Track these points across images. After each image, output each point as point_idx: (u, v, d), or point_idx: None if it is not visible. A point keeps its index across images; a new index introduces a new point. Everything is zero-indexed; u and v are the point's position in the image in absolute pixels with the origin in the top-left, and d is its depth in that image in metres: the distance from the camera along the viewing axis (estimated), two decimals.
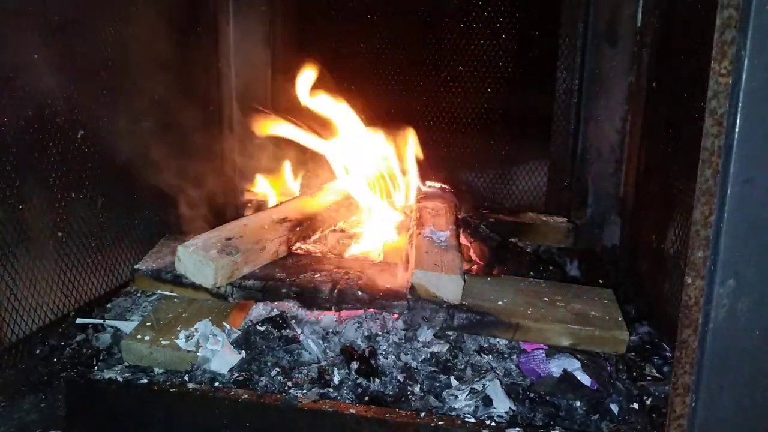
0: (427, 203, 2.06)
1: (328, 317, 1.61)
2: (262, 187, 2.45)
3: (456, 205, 2.12)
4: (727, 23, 0.93)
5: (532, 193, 2.63)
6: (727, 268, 0.98)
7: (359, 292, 1.60)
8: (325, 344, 1.53)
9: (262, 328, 1.53)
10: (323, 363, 1.46)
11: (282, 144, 2.45)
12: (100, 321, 1.68)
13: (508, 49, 2.53)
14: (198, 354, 1.46)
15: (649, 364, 1.54)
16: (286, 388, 1.37)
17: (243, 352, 1.48)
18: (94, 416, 1.38)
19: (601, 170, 2.33)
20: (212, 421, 1.32)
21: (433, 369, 1.46)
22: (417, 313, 1.55)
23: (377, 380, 1.40)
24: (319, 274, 1.68)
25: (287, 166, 2.46)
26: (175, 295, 1.70)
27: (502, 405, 1.33)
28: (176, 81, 2.09)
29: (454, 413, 1.32)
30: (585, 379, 1.42)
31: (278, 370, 1.43)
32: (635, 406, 1.37)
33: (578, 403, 1.37)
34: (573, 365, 1.45)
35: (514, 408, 1.34)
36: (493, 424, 1.27)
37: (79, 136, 1.67)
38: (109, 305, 1.77)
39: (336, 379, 1.40)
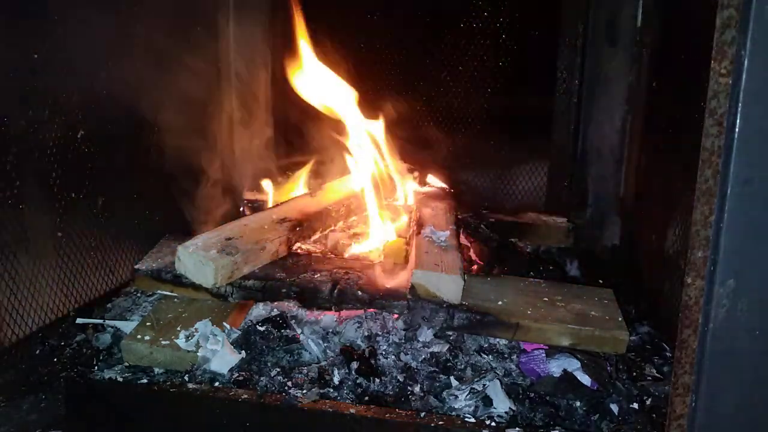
0: (427, 203, 2.06)
1: (328, 317, 1.61)
2: (262, 187, 2.45)
3: (456, 205, 2.12)
4: (727, 23, 0.93)
5: (532, 193, 2.63)
6: (727, 268, 0.98)
7: (359, 292, 1.61)
8: (325, 344, 1.53)
9: (262, 328, 1.53)
10: (323, 363, 1.46)
11: (282, 144, 2.46)
12: (100, 321, 1.68)
13: (508, 49, 2.53)
14: (198, 354, 1.46)
15: (649, 364, 1.54)
16: (286, 388, 1.37)
17: (243, 352, 1.48)
18: (94, 416, 1.38)
19: (601, 170, 2.33)
20: (212, 421, 1.32)
21: (433, 369, 1.46)
22: (417, 313, 1.55)
23: (377, 380, 1.40)
24: (319, 274, 1.68)
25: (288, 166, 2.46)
26: (175, 295, 1.70)
27: (502, 405, 1.33)
28: (176, 81, 2.08)
29: (454, 413, 1.32)
30: (585, 379, 1.42)
31: (278, 370, 1.43)
32: (635, 406, 1.37)
33: (578, 403, 1.37)
34: (573, 365, 1.45)
35: (514, 408, 1.34)
36: (493, 424, 1.27)
37: (79, 136, 1.67)
38: (109, 305, 1.77)
39: (336, 379, 1.40)
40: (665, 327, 1.67)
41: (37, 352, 1.56)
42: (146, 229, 1.98)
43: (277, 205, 2.01)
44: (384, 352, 1.49)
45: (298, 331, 1.55)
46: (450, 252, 1.67)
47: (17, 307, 1.49)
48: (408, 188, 2.24)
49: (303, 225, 1.85)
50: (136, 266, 1.77)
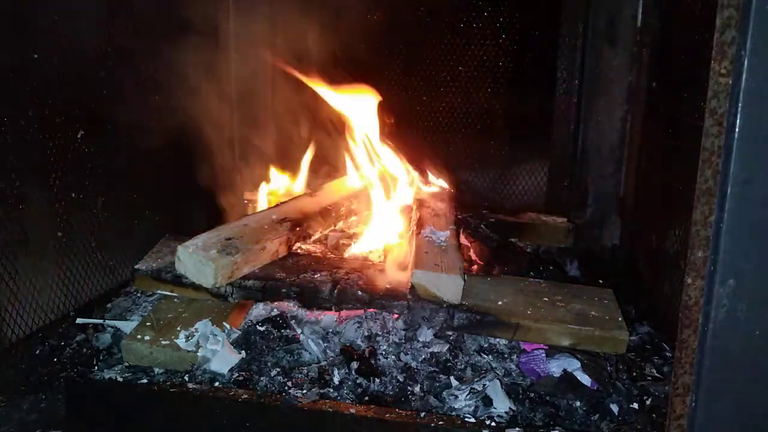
0: (427, 203, 2.06)
1: (328, 317, 1.61)
2: (262, 187, 2.45)
3: (456, 205, 2.12)
4: (727, 23, 0.93)
5: (532, 193, 2.63)
6: (727, 268, 0.98)
7: (359, 292, 1.60)
8: (325, 344, 1.53)
9: (262, 328, 1.53)
10: (323, 363, 1.46)
11: (283, 144, 2.46)
12: (100, 321, 1.68)
13: (508, 49, 2.53)
14: (198, 354, 1.46)
15: (649, 364, 1.54)
16: (286, 388, 1.37)
17: (243, 352, 1.48)
18: (94, 416, 1.38)
19: (601, 170, 2.33)
20: (212, 421, 1.32)
21: (433, 369, 1.45)
22: (417, 313, 1.55)
23: (377, 380, 1.40)
24: (319, 274, 1.68)
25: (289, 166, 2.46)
26: (175, 295, 1.70)
27: (502, 405, 1.33)
28: (176, 81, 2.08)
29: (454, 413, 1.32)
30: (585, 379, 1.42)
31: (278, 370, 1.43)
32: (635, 406, 1.37)
33: (578, 403, 1.37)
34: (573, 365, 1.45)
35: (514, 408, 1.34)
36: (493, 424, 1.27)
37: (79, 136, 1.67)
38: (109, 305, 1.77)
39: (336, 379, 1.40)
40: (665, 327, 1.67)
41: (37, 352, 1.56)
42: (146, 229, 1.98)
43: (277, 205, 2.01)
44: (384, 352, 1.49)
45: (298, 331, 1.55)
46: (450, 252, 1.67)
47: (17, 307, 1.49)
48: (408, 188, 2.24)
49: (303, 225, 1.85)
50: (136, 266, 1.77)
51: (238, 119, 2.56)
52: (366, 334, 1.54)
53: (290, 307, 1.63)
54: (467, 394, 1.35)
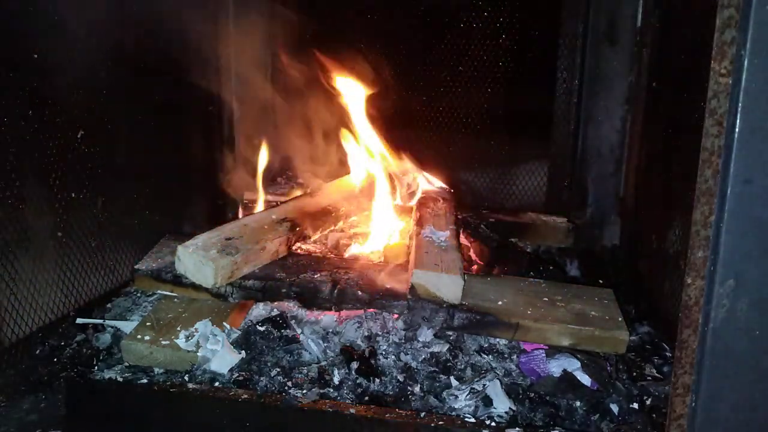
0: (427, 203, 2.06)
1: (328, 317, 1.61)
2: (262, 187, 2.45)
3: (456, 205, 2.12)
4: (727, 23, 0.93)
5: (532, 193, 2.63)
6: (727, 268, 0.98)
7: (359, 292, 1.61)
8: (325, 344, 1.53)
9: (262, 328, 1.53)
10: (323, 363, 1.46)
11: (283, 145, 2.46)
12: (100, 321, 1.68)
13: (508, 49, 2.53)
14: (198, 354, 1.46)
15: (649, 364, 1.54)
16: (286, 388, 1.37)
17: (243, 352, 1.48)
18: (94, 416, 1.38)
19: (601, 170, 2.33)
20: (212, 421, 1.32)
21: (433, 369, 1.46)
22: (417, 313, 1.55)
23: (377, 380, 1.40)
24: (319, 274, 1.68)
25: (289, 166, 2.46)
26: (175, 295, 1.70)
27: (502, 405, 1.33)
28: (176, 81, 2.08)
29: (454, 413, 1.32)
30: (585, 379, 1.42)
31: (278, 370, 1.43)
32: (635, 406, 1.37)
33: (578, 403, 1.37)
34: (573, 365, 1.45)
35: (514, 408, 1.34)
36: (493, 424, 1.27)
37: (79, 136, 1.67)
38: (109, 305, 1.77)
39: (336, 379, 1.40)
40: (665, 327, 1.67)
41: (37, 352, 1.56)
42: (146, 229, 1.98)
43: (277, 205, 2.01)
44: (384, 352, 1.49)
45: (298, 331, 1.55)
46: (450, 252, 1.67)
47: (17, 307, 1.49)
48: (408, 188, 2.24)
49: (303, 225, 1.85)
50: (136, 266, 1.77)
51: (238, 118, 2.56)
52: (366, 334, 1.54)
53: (290, 307, 1.63)
54: (467, 394, 1.35)
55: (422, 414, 1.28)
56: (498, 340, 1.56)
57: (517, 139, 2.61)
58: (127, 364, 1.48)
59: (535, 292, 1.66)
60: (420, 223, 1.88)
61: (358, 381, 1.40)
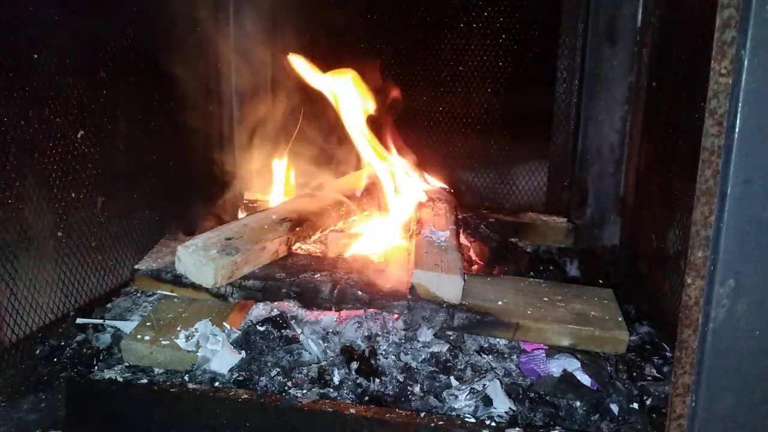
0: (427, 203, 2.06)
1: (328, 317, 1.61)
2: (262, 187, 2.45)
3: (456, 205, 2.12)
4: (727, 23, 0.93)
5: (532, 193, 2.63)
6: (727, 268, 0.98)
7: (359, 292, 1.60)
8: (325, 344, 1.53)
9: (262, 328, 1.53)
10: (323, 363, 1.46)
11: (283, 144, 2.46)
12: (100, 321, 1.68)
13: (508, 49, 2.53)
14: (198, 354, 1.46)
15: (649, 364, 1.54)
16: (286, 388, 1.37)
17: (243, 352, 1.48)
18: (94, 416, 1.38)
19: (601, 170, 2.33)
20: (212, 421, 1.32)
21: (433, 369, 1.46)
22: (417, 313, 1.55)
23: (377, 380, 1.40)
24: (319, 274, 1.68)
25: (287, 165, 2.46)
26: (175, 295, 1.70)
27: (502, 405, 1.33)
28: (176, 81, 2.08)
29: (454, 413, 1.32)
30: (585, 379, 1.42)
31: (278, 370, 1.43)
32: (635, 406, 1.37)
33: (578, 403, 1.37)
34: (573, 365, 1.45)
35: (514, 408, 1.34)
36: (493, 424, 1.27)
37: (79, 136, 1.67)
38: (109, 305, 1.77)
39: (336, 379, 1.40)
40: (665, 327, 1.67)
41: (37, 352, 1.56)
42: (146, 229, 1.98)
43: (277, 205, 2.01)
44: (384, 352, 1.49)
45: (298, 331, 1.55)
46: (450, 252, 1.67)
47: (17, 307, 1.49)
48: (408, 188, 2.23)
49: (303, 225, 1.85)
50: (136, 266, 1.77)
51: (238, 119, 2.56)
52: (366, 334, 1.54)
53: (290, 307, 1.63)
54: (467, 394, 1.35)
55: (422, 414, 1.28)
56: (498, 340, 1.56)
57: (517, 139, 2.61)
58: (127, 364, 1.48)
59: (535, 292, 1.67)
60: (420, 223, 1.88)
61: (358, 381, 1.40)
